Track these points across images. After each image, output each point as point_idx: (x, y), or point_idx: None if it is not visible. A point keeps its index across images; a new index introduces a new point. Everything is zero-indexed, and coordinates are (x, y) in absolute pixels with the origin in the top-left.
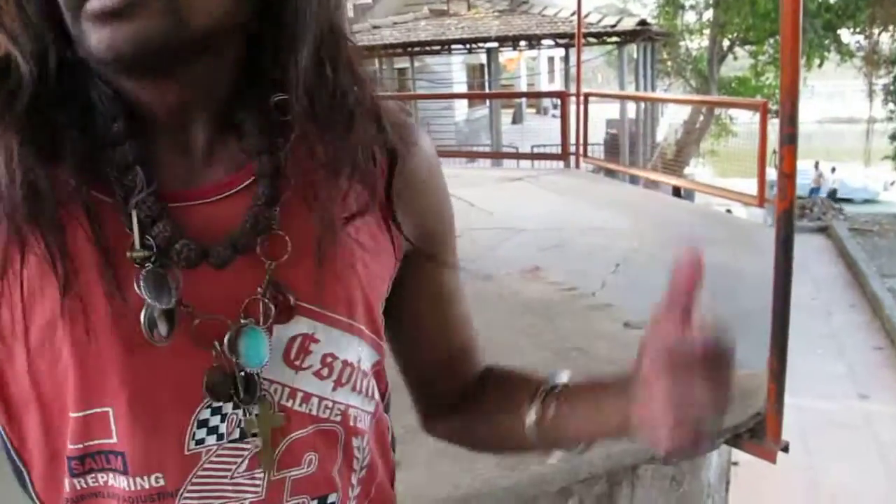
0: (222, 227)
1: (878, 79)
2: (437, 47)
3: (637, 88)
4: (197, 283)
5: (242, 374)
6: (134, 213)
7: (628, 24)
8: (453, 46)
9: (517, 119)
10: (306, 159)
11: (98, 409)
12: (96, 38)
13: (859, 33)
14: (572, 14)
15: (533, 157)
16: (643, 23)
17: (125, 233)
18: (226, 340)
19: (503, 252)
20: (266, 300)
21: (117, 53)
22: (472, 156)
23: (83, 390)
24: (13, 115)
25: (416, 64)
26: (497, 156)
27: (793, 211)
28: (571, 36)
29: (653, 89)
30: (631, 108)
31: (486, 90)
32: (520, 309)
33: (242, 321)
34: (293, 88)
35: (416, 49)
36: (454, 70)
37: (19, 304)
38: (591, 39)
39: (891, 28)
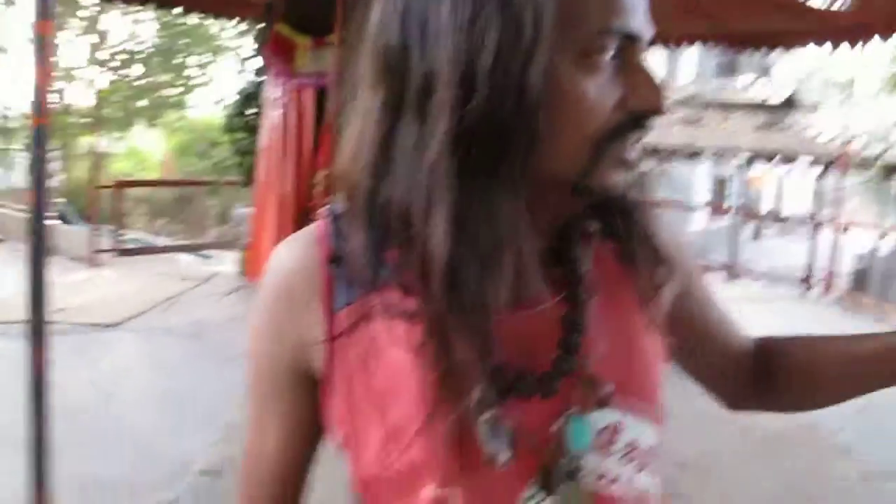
0: (541, 339)
1: None
2: (685, 155)
3: None
4: (524, 407)
5: (565, 459)
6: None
7: None
8: (701, 156)
9: (756, 235)
10: (605, 270)
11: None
12: (615, 177)
13: None
14: (833, 137)
15: (772, 278)
16: None
17: None
18: (555, 428)
19: None
20: (584, 391)
21: (622, 187)
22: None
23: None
24: None
25: (660, 168)
26: (735, 274)
27: None
28: (833, 159)
29: None
30: (885, 242)
31: (729, 203)
32: (754, 435)
33: (567, 412)
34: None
35: (665, 153)
36: (697, 179)
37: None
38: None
39: None
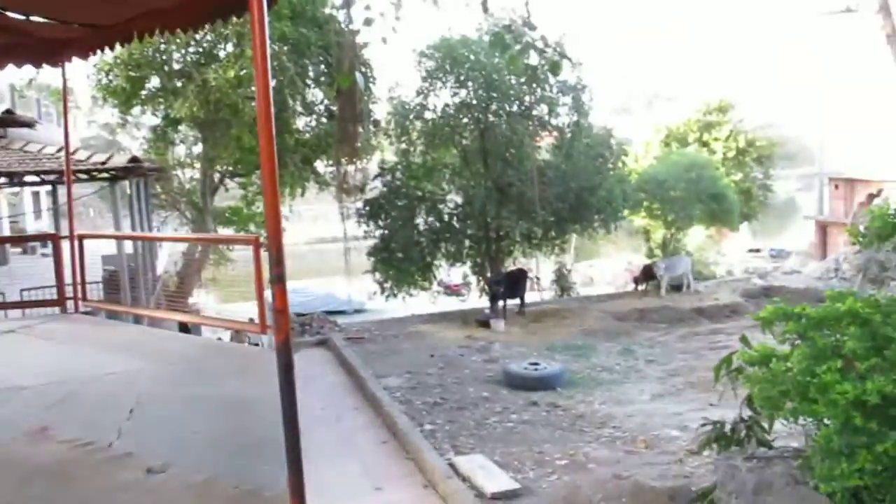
0: None
1: (351, 203)
2: None
3: (133, 223)
4: None
5: None
6: None
7: (120, 160)
8: None
9: (1, 261)
10: None
11: None
12: None
13: (331, 166)
14: (58, 150)
15: (25, 304)
16: (135, 160)
17: None
18: None
19: (2, 415)
20: None
21: None
22: None
23: None
24: None
25: None
26: None
27: (289, 341)
28: (59, 173)
29: (149, 223)
30: (129, 242)
31: None
32: (29, 475)
33: None
34: None
35: None
36: None
37: None
38: (83, 176)
39: (354, 162)
